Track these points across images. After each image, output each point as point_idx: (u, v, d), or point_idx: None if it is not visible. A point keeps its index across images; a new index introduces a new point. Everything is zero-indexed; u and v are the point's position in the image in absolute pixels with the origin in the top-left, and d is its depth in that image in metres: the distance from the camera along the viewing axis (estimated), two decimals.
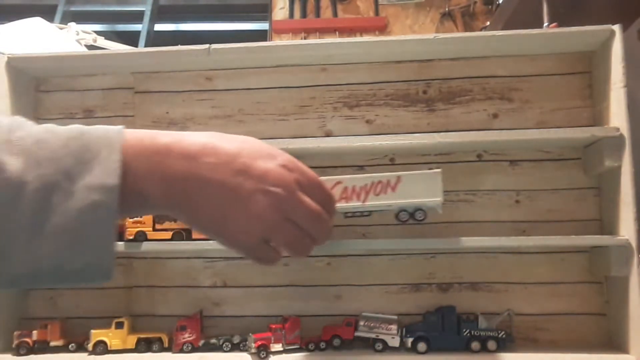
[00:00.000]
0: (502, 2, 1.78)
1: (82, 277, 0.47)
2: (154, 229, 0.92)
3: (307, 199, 0.54)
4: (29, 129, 0.46)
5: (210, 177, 0.50)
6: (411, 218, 0.86)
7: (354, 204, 0.84)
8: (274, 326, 0.90)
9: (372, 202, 0.84)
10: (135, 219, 0.91)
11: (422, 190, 0.84)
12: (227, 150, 0.52)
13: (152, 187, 0.49)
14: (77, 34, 1.73)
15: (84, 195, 0.44)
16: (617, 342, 0.89)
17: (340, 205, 0.84)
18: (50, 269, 0.45)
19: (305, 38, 2.45)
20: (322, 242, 0.58)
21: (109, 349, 0.91)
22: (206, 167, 0.51)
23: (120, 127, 0.49)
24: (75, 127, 0.48)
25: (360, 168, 0.98)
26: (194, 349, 0.91)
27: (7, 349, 0.95)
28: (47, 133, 0.46)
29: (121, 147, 0.47)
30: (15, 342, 0.92)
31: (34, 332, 0.93)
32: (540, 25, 1.33)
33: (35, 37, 1.54)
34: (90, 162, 0.45)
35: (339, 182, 0.84)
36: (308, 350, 0.91)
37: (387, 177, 0.84)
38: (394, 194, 0.84)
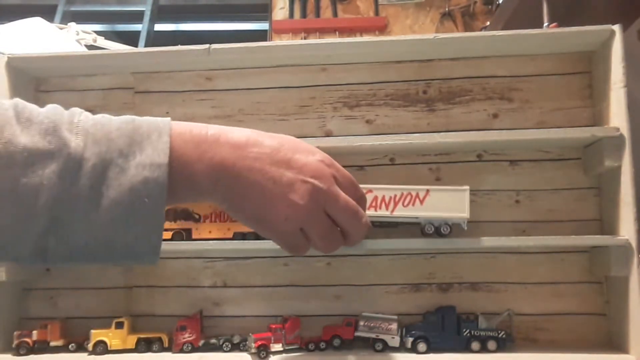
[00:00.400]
0: (502, 2, 1.78)
1: (131, 252, 0.50)
2: None
3: (343, 194, 0.58)
4: (86, 114, 0.51)
5: (255, 166, 0.54)
6: (436, 232, 0.88)
7: (382, 213, 0.87)
8: (274, 326, 0.90)
9: (400, 213, 0.87)
10: None
11: (449, 205, 0.87)
12: (269, 144, 0.56)
13: (200, 171, 0.52)
14: (77, 34, 1.73)
15: (136, 171, 0.48)
16: (617, 342, 0.89)
17: (369, 213, 0.86)
18: (104, 241, 0.48)
19: (305, 38, 2.46)
20: (355, 239, 0.62)
21: (109, 349, 0.91)
22: (251, 157, 0.55)
23: (167, 118, 0.54)
24: (126, 116, 0.53)
25: (361, 168, 0.98)
26: (194, 349, 0.91)
27: (7, 349, 0.95)
28: (102, 118, 0.51)
29: (169, 132, 0.52)
30: (15, 342, 0.92)
31: (34, 332, 0.93)
32: (540, 25, 1.34)
33: (35, 37, 1.54)
34: (142, 143, 0.50)
35: (369, 191, 0.87)
36: (308, 350, 0.91)
37: (416, 189, 0.88)
38: (422, 207, 0.87)
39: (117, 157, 0.48)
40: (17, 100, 0.49)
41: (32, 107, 0.49)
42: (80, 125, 0.49)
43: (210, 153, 0.53)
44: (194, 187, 0.53)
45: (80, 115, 0.50)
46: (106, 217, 0.47)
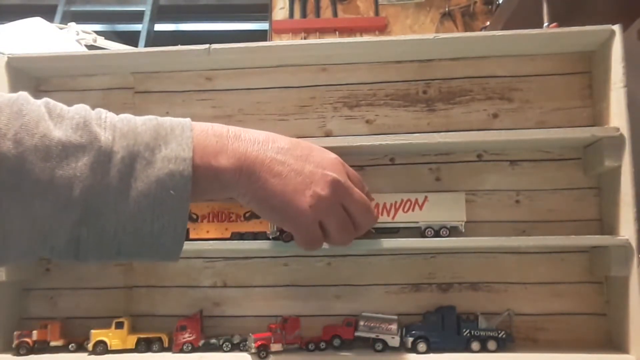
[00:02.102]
0: (502, 2, 1.79)
1: (157, 242, 0.52)
2: None
3: (356, 189, 0.60)
4: (112, 113, 0.53)
5: (277, 158, 0.57)
6: (435, 235, 0.91)
7: (384, 220, 0.90)
8: (273, 326, 0.90)
9: (401, 219, 0.91)
10: None
11: (447, 209, 0.91)
12: (286, 142, 0.60)
13: (223, 163, 0.54)
14: (77, 34, 1.73)
15: (162, 164, 0.50)
16: (617, 342, 0.89)
17: None
18: (132, 231, 0.50)
19: (305, 38, 2.46)
20: (363, 232, 0.64)
21: (109, 349, 0.91)
22: (273, 150, 0.58)
23: (187, 118, 0.56)
24: (148, 115, 0.55)
25: (361, 168, 0.98)
26: (194, 349, 0.91)
27: (7, 349, 0.95)
28: (127, 115, 0.54)
29: (192, 128, 0.54)
30: (15, 342, 0.92)
31: (34, 332, 0.93)
32: (540, 25, 1.34)
33: (35, 37, 1.54)
34: (166, 137, 0.52)
35: (371, 199, 0.88)
36: (308, 350, 0.91)
37: (415, 196, 0.91)
38: (421, 213, 0.91)
39: (144, 150, 0.50)
40: (47, 98, 0.51)
41: (61, 105, 0.51)
42: (108, 121, 0.51)
43: (233, 146, 0.55)
44: (217, 179, 0.54)
45: (106, 113, 0.52)
46: (134, 207, 0.49)
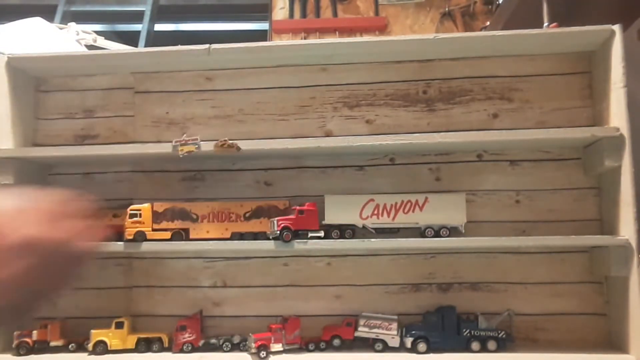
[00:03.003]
0: (502, 2, 1.78)
1: None
2: (153, 229, 0.92)
3: (56, 224, 0.45)
4: None
5: None
6: (435, 235, 0.91)
7: (384, 220, 0.91)
8: (274, 326, 0.90)
9: (401, 220, 0.91)
10: (135, 219, 0.91)
11: (447, 211, 0.91)
12: None
13: None
14: (77, 34, 1.73)
15: None
16: (617, 342, 0.89)
17: (371, 220, 0.90)
18: None
19: (305, 38, 2.45)
20: (95, 249, 0.48)
21: (109, 349, 0.91)
22: None
23: None
24: None
25: (361, 168, 0.98)
26: (194, 349, 0.91)
27: (7, 349, 0.95)
28: None
29: None
30: (15, 342, 0.93)
31: (34, 332, 0.93)
32: (540, 25, 1.33)
33: (35, 37, 1.54)
34: None
35: (371, 200, 0.90)
36: (308, 350, 0.91)
37: (415, 197, 0.91)
38: (421, 214, 0.91)
39: None
40: None
41: None
42: None
43: None
44: None
45: None
46: None
